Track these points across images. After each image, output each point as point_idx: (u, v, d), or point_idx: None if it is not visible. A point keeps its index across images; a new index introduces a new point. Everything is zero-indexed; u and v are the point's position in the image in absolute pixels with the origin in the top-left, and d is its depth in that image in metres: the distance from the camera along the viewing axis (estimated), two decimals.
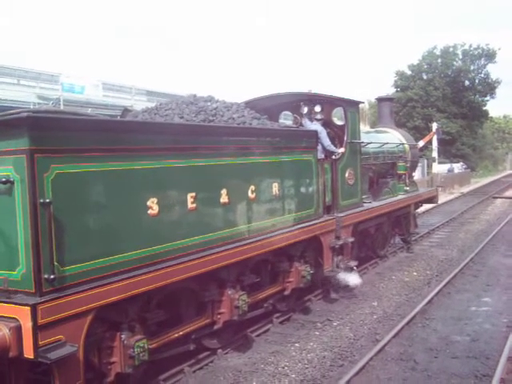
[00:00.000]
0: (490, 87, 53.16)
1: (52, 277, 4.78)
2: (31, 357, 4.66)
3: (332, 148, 10.26)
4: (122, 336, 5.66)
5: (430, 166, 39.68)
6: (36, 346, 4.63)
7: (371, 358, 7.47)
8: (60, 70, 28.01)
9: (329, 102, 11.11)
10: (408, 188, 14.31)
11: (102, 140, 5.41)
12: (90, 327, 5.17)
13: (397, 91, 52.27)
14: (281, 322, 9.13)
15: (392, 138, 14.71)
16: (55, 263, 4.84)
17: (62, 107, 24.37)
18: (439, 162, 36.60)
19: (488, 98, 54.10)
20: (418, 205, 15.83)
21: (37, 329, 4.64)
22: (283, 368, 7.32)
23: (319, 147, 9.79)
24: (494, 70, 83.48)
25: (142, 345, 5.69)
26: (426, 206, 20.35)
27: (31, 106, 21.98)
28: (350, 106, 10.88)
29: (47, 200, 4.75)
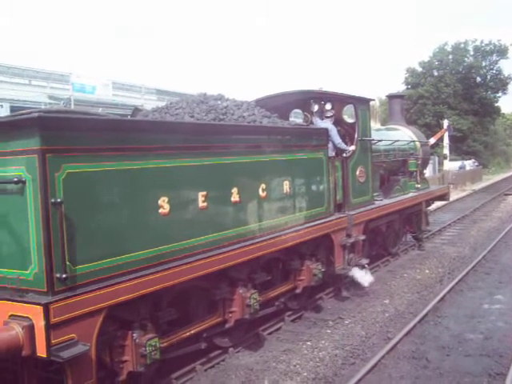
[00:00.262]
0: (502, 83, 52.77)
1: (64, 276, 4.79)
2: (44, 355, 4.68)
3: (343, 146, 10.23)
4: (134, 335, 5.67)
5: (441, 163, 39.45)
6: (49, 344, 4.65)
7: (383, 357, 7.45)
8: (70, 69, 28.02)
9: (339, 100, 11.09)
10: (419, 185, 14.25)
11: (113, 139, 5.42)
12: (101, 326, 5.19)
13: (407, 88, 52.04)
14: (292, 320, 9.13)
15: (403, 135, 14.65)
16: (67, 262, 4.86)
17: (72, 107, 24.51)
18: (450, 159, 36.38)
19: (500, 94, 53.71)
20: (429, 202, 15.75)
21: (49, 328, 4.66)
22: (295, 366, 7.31)
23: (330, 145, 9.77)
24: (506, 66, 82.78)
25: (153, 343, 5.69)
26: (437, 204, 20.25)
27: (42, 106, 22.13)
28: (361, 103, 10.85)
29: (58, 199, 4.76)
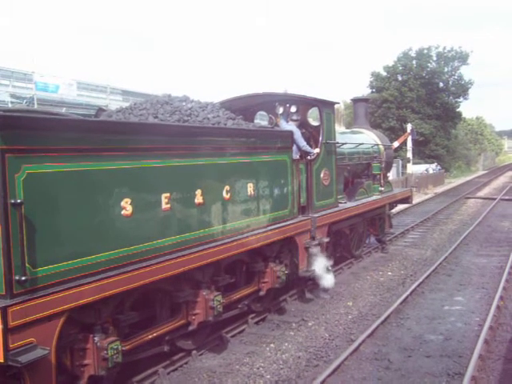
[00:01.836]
0: (463, 89, 53.76)
1: (23, 278, 4.71)
2: (1, 360, 4.57)
3: (307, 148, 10.28)
4: (95, 338, 5.60)
5: (404, 167, 40.03)
6: (6, 349, 4.55)
7: (346, 358, 7.50)
8: (33, 68, 27.50)
9: (304, 103, 11.14)
10: (383, 188, 14.40)
11: (75, 140, 5.34)
12: (62, 329, 5.11)
13: (372, 92, 52.60)
14: (256, 323, 9.13)
15: (367, 138, 14.80)
16: (27, 264, 4.76)
17: (35, 106, 24.09)
18: (414, 163, 36.95)
19: (461, 99, 54.73)
20: (392, 205, 15.95)
21: (7, 331, 4.56)
22: (258, 369, 7.32)
23: (294, 147, 9.80)
24: (466, 72, 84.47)
25: (115, 346, 5.63)
26: (400, 206, 20.52)
27: (9, 105, 21.71)
28: (326, 106, 10.92)
29: (18, 200, 4.67)
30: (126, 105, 9.11)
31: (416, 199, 25.71)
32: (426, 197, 31.40)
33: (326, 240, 10.41)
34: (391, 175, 24.63)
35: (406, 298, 10.31)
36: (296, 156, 9.92)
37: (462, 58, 53.35)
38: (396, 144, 18.66)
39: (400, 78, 53.12)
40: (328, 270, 10.42)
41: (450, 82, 54.11)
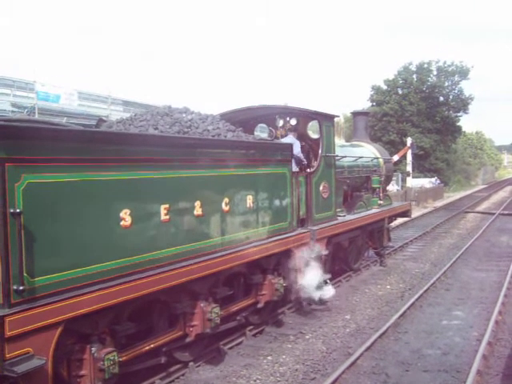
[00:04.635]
0: (463, 103, 53.92)
1: (21, 288, 4.71)
2: None
3: (300, 156, 10.35)
4: (92, 349, 5.59)
5: (404, 180, 40.09)
6: (2, 358, 4.55)
7: (343, 372, 7.47)
8: (35, 77, 27.58)
9: (304, 116, 11.19)
10: (382, 202, 14.42)
11: (75, 150, 5.36)
12: (59, 339, 5.10)
13: (372, 105, 52.78)
14: (254, 335, 9.10)
15: (367, 152, 14.83)
16: (25, 274, 4.77)
17: (36, 116, 24.14)
18: (413, 177, 37.02)
19: (461, 113, 54.88)
20: (391, 218, 15.95)
21: (4, 341, 4.56)
22: (255, 381, 7.29)
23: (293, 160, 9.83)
24: (466, 87, 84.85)
25: (112, 357, 5.62)
26: (399, 220, 20.52)
27: (10, 114, 21.75)
28: (325, 119, 10.95)
29: (17, 210, 4.69)
30: (126, 115, 9.14)
31: (415, 213, 25.71)
32: (425, 211, 31.40)
33: (325, 253, 10.40)
34: (393, 189, 24.62)
35: (405, 311, 10.28)
36: (296, 168, 9.94)
37: (463, 72, 53.53)
38: (396, 158, 18.73)
39: (400, 92, 53.31)
40: (326, 282, 10.41)
41: (451, 97, 54.28)
